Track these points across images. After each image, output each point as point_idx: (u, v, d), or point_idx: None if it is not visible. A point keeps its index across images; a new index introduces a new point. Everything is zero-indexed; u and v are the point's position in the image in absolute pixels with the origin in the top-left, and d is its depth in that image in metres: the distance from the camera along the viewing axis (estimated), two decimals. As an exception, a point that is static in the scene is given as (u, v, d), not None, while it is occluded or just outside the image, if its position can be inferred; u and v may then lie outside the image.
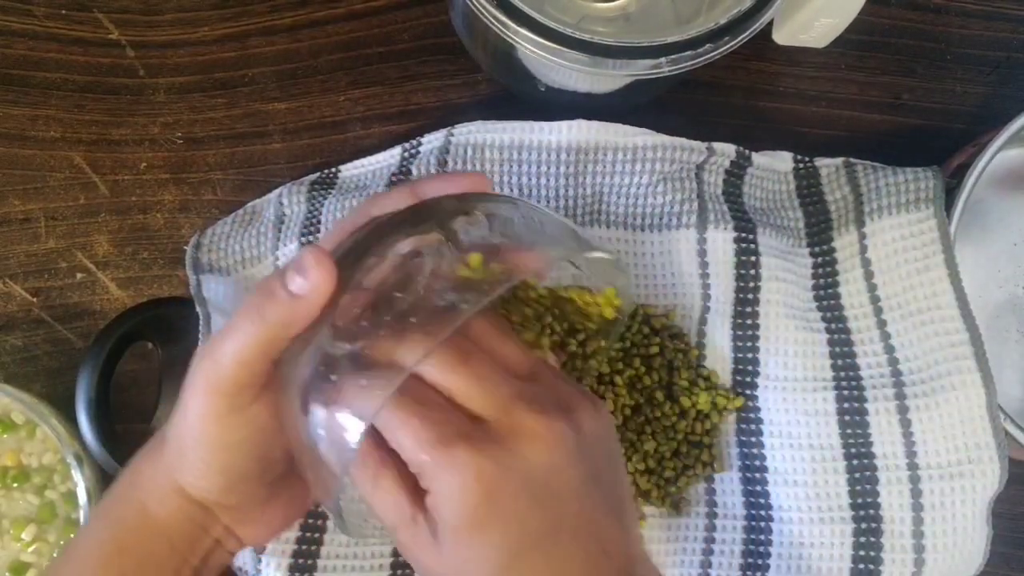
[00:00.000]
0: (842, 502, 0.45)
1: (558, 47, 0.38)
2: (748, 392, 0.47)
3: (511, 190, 0.47)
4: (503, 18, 0.38)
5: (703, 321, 0.48)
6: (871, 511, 0.44)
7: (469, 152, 0.46)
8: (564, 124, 0.46)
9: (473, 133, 0.47)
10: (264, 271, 0.47)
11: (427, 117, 0.52)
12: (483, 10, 0.38)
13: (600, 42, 0.38)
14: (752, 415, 0.47)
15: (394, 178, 0.47)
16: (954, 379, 0.44)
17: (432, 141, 0.47)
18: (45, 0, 0.52)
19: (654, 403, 0.46)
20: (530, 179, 0.47)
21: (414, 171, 0.47)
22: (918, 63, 0.53)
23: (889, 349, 0.46)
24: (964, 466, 0.43)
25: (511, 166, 0.47)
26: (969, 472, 0.43)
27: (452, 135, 0.47)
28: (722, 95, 0.52)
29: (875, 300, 0.46)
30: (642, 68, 0.39)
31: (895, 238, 0.46)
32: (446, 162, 0.47)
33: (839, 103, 0.53)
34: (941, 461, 0.44)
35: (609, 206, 0.47)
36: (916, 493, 0.44)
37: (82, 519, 0.45)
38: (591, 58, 0.38)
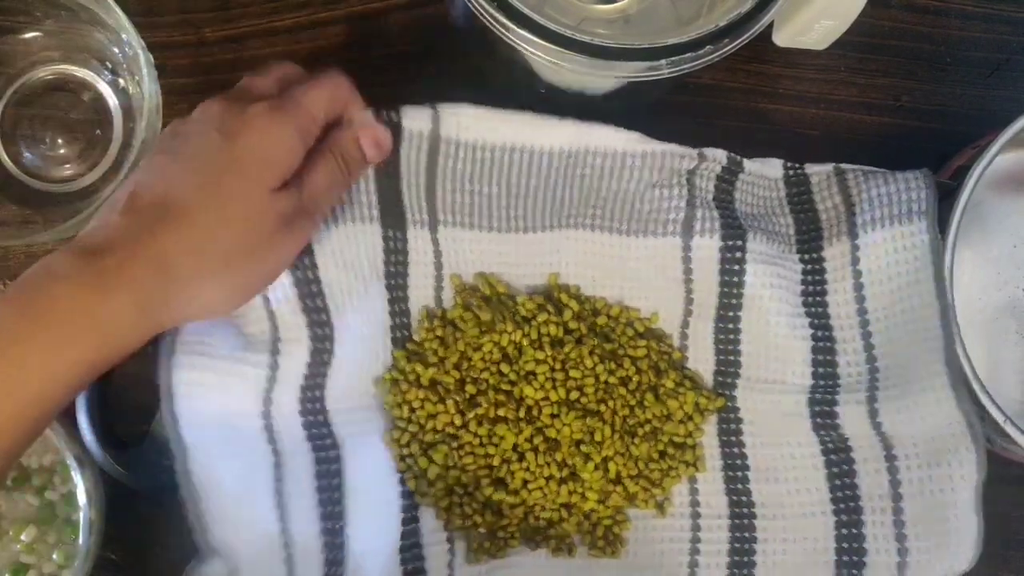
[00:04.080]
0: (823, 496, 0.45)
1: (558, 49, 0.38)
2: (728, 393, 0.48)
3: (500, 188, 0.47)
4: (503, 20, 0.38)
5: (686, 324, 0.48)
6: (851, 503, 0.45)
7: (461, 152, 0.46)
8: (555, 123, 0.46)
9: (463, 127, 0.46)
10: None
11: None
12: (483, 12, 0.38)
13: (600, 44, 0.38)
14: (732, 415, 0.48)
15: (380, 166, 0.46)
16: (924, 383, 0.44)
17: (415, 120, 0.45)
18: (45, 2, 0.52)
19: (644, 406, 0.47)
20: (519, 179, 0.47)
21: (403, 153, 0.45)
22: (918, 65, 0.53)
23: (871, 360, 0.46)
24: (941, 455, 0.44)
25: (502, 167, 0.46)
26: (947, 462, 0.44)
27: (439, 117, 0.45)
28: (722, 97, 0.53)
29: (863, 312, 0.47)
30: (642, 70, 0.39)
31: (888, 251, 0.46)
32: (437, 162, 0.46)
33: (839, 105, 0.53)
34: (919, 451, 0.44)
35: (597, 210, 0.47)
36: (895, 484, 0.44)
37: (82, 520, 0.45)
38: (591, 60, 0.38)
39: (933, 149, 0.51)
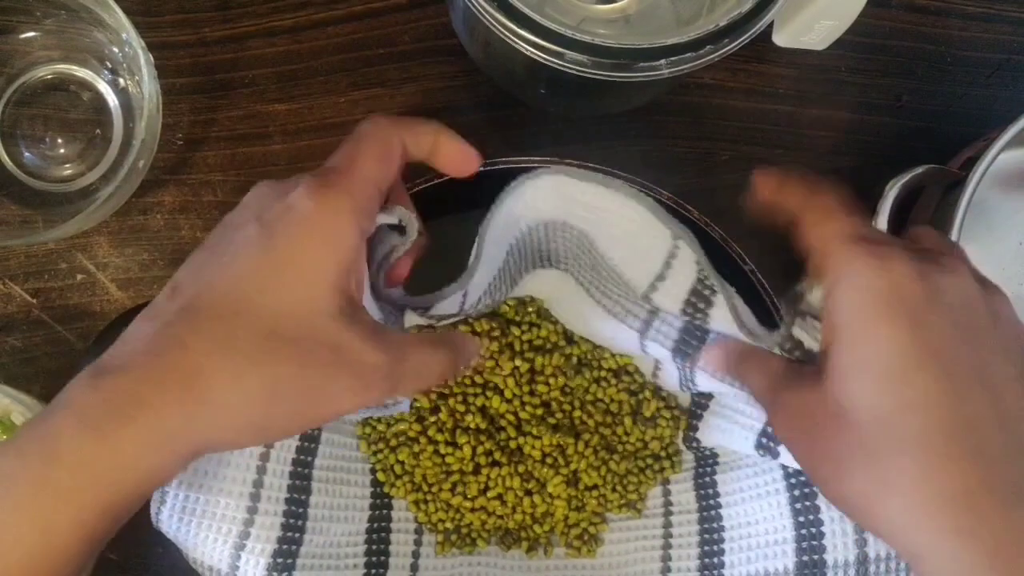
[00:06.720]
0: (776, 475, 0.46)
1: (558, 49, 0.38)
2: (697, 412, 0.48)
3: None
4: (503, 20, 0.38)
5: (655, 377, 0.48)
6: (802, 476, 0.45)
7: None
8: (530, 191, 0.39)
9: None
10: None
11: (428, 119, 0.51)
12: (483, 12, 0.38)
13: (600, 44, 0.38)
14: (695, 422, 0.48)
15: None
16: None
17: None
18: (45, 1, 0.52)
19: (625, 428, 0.47)
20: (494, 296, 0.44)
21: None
22: (918, 65, 0.53)
23: None
24: None
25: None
26: None
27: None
28: (722, 97, 0.52)
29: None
30: (642, 70, 0.39)
31: None
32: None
33: (839, 105, 0.53)
34: None
35: (567, 262, 0.45)
36: None
37: (82, 520, 0.45)
38: (591, 60, 0.38)
39: (933, 149, 0.51)
